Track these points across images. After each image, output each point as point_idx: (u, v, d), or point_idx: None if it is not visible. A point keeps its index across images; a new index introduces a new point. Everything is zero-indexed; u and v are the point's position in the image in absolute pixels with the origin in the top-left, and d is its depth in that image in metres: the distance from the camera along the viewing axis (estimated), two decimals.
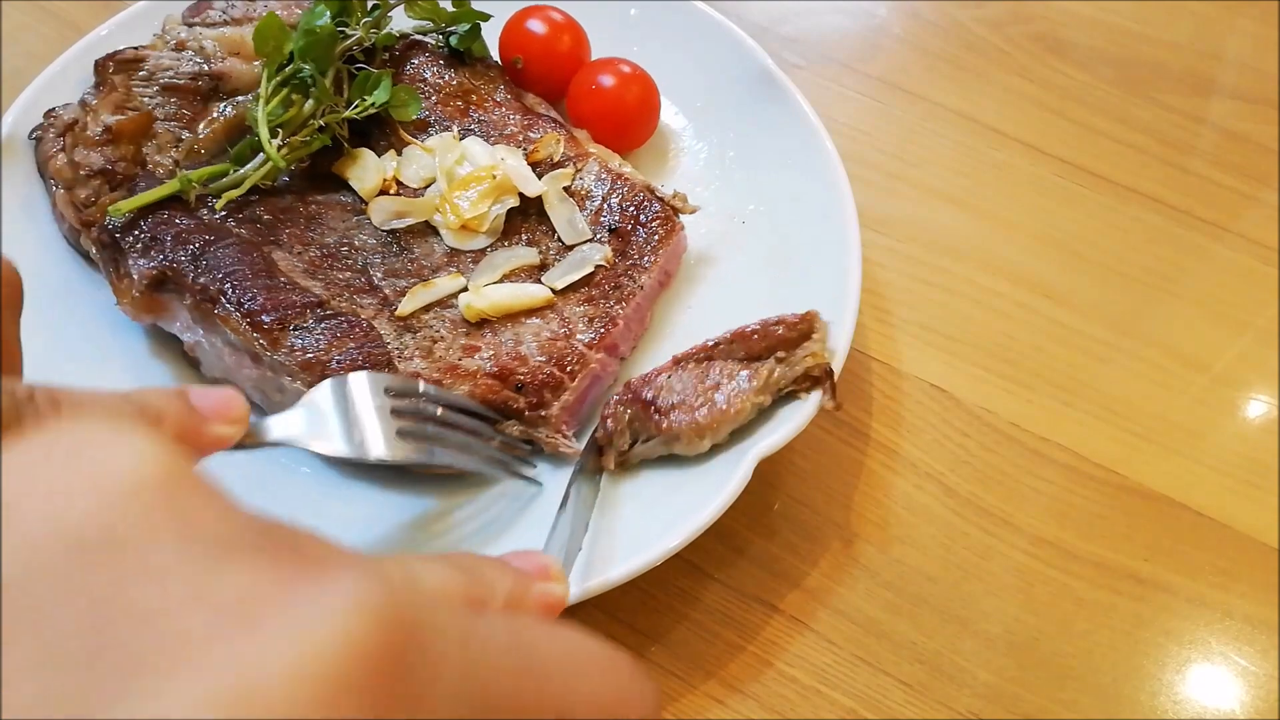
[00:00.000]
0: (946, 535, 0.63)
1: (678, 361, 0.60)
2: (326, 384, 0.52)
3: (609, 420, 0.58)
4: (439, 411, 0.55)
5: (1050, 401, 0.69)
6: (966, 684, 0.58)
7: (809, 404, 0.58)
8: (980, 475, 0.65)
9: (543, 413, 0.59)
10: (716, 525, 0.55)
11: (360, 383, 0.53)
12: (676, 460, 0.60)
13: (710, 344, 0.60)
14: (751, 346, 0.59)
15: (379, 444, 0.52)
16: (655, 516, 0.56)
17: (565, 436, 0.60)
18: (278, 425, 0.50)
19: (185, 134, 0.67)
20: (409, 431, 0.53)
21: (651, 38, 0.78)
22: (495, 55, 0.75)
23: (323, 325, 0.60)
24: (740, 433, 0.59)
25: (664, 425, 0.58)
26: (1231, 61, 0.89)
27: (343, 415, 0.52)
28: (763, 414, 0.59)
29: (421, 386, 0.55)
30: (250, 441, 0.48)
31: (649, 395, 0.58)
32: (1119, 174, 0.81)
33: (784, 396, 0.59)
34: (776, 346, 0.58)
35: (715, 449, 0.59)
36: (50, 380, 0.36)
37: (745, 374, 0.58)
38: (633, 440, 0.58)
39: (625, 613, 0.59)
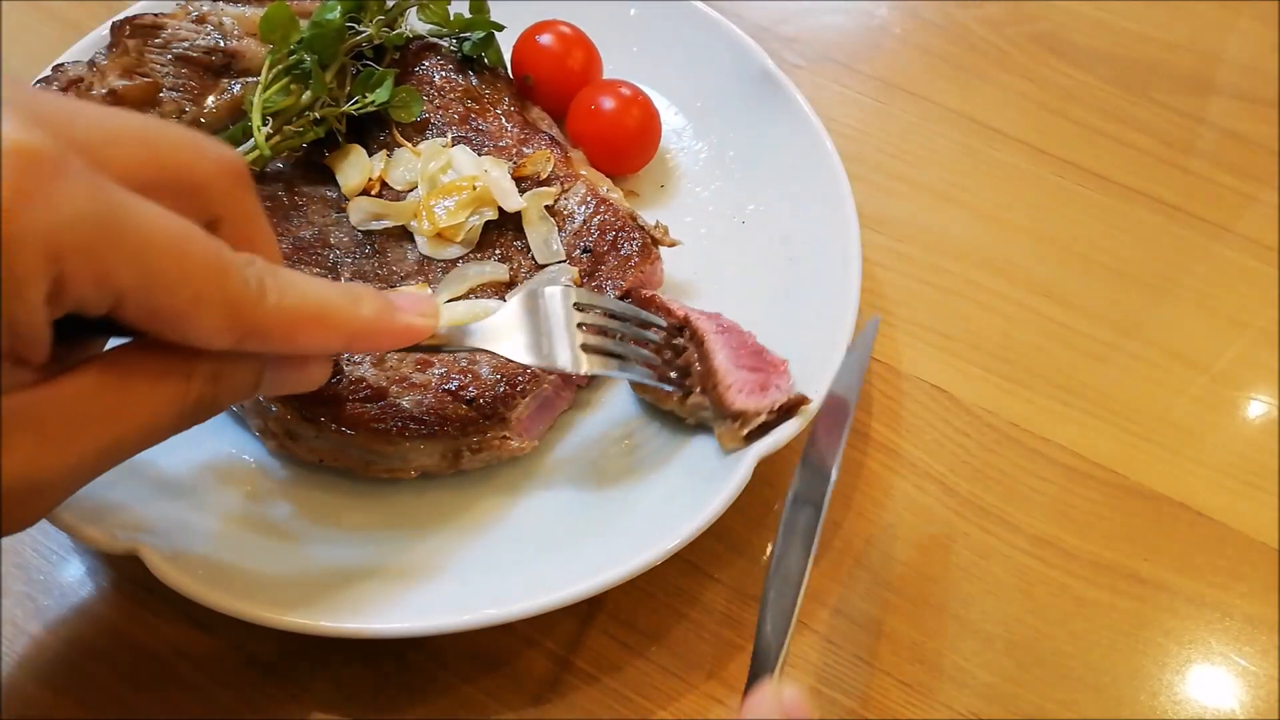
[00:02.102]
0: (946, 535, 0.63)
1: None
2: (519, 296, 0.56)
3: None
4: (616, 324, 0.58)
5: (1050, 401, 0.69)
6: (966, 684, 0.58)
7: (809, 404, 0.58)
8: (980, 475, 0.65)
9: (496, 420, 0.58)
10: (716, 525, 0.55)
11: (553, 296, 0.56)
12: (676, 460, 0.60)
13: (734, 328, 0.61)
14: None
15: (566, 356, 0.55)
16: (655, 516, 0.56)
17: (517, 436, 0.59)
18: (473, 332, 0.53)
19: (190, 106, 0.67)
20: (592, 347, 0.56)
21: (651, 38, 0.78)
22: (509, 65, 0.74)
23: None
24: None
25: (715, 391, 0.58)
26: (1231, 61, 0.89)
27: (533, 326, 0.55)
28: None
29: (601, 301, 0.58)
30: (441, 342, 0.52)
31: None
32: (1119, 174, 0.81)
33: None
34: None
35: (714, 449, 0.59)
36: None
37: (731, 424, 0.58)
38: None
39: (625, 613, 0.59)
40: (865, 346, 0.58)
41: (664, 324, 0.60)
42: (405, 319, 0.48)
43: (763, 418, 0.57)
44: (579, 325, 0.56)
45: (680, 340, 0.60)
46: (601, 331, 0.57)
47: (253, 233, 0.45)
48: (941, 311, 0.73)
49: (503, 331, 0.54)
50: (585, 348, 0.56)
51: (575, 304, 0.57)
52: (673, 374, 0.59)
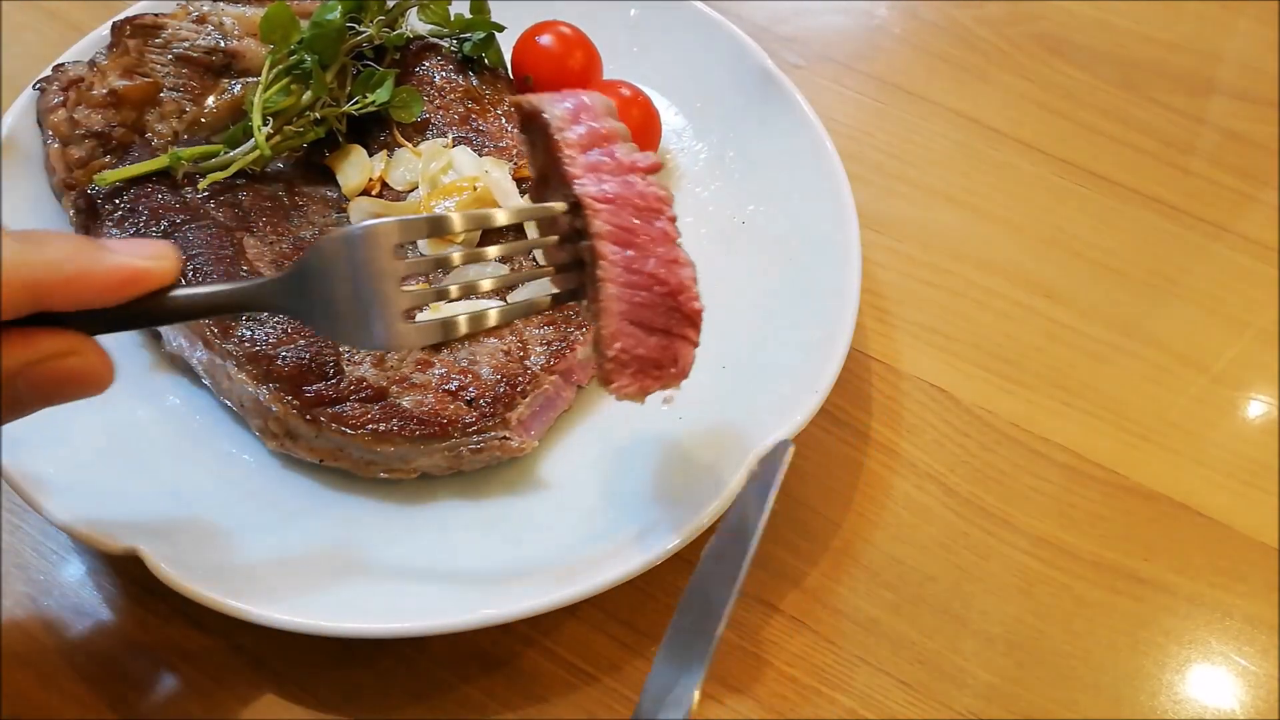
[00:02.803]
0: (946, 535, 0.63)
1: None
2: (329, 244, 0.45)
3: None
4: (457, 260, 0.49)
5: (1050, 401, 0.69)
6: (966, 684, 0.58)
7: (809, 403, 0.58)
8: (980, 475, 0.65)
9: (497, 420, 0.58)
10: (716, 525, 0.55)
11: (372, 243, 0.44)
12: (676, 461, 0.60)
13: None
14: None
15: (382, 332, 0.45)
16: (655, 516, 0.56)
17: (517, 436, 0.59)
18: (273, 291, 0.45)
19: (190, 106, 0.67)
20: (418, 305, 0.46)
21: (651, 38, 0.78)
22: (509, 65, 0.75)
23: (276, 319, 0.59)
24: (740, 433, 0.59)
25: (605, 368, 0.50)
26: (1231, 61, 0.89)
27: (348, 291, 0.45)
28: (762, 413, 0.59)
29: (452, 222, 0.46)
30: (213, 302, 0.44)
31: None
32: (1119, 174, 0.81)
33: None
34: None
35: (714, 449, 0.59)
36: None
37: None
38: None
39: (625, 613, 0.59)
40: (772, 475, 0.48)
41: (555, 208, 0.49)
42: (118, 259, 0.41)
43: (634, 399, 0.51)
44: (403, 279, 0.45)
45: (580, 224, 0.48)
46: (435, 274, 0.47)
47: None
48: (941, 311, 0.73)
49: (296, 293, 0.45)
50: (415, 310, 0.45)
51: (398, 246, 0.45)
52: (561, 283, 0.50)
